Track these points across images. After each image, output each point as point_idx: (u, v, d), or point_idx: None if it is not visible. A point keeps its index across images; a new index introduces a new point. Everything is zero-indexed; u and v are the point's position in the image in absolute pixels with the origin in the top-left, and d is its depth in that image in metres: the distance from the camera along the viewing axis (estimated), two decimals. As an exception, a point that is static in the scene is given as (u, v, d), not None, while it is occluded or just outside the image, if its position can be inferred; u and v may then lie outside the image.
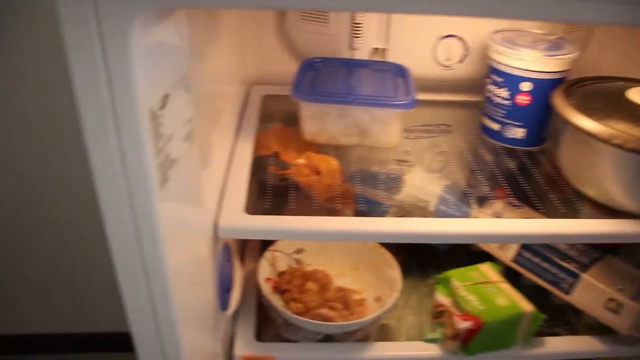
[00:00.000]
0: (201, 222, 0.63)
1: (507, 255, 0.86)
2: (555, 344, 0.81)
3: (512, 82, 0.82)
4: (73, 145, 1.15)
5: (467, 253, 0.96)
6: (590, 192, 0.74)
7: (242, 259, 0.93)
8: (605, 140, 0.66)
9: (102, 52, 0.40)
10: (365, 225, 0.67)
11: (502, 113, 0.85)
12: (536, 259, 0.83)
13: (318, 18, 0.93)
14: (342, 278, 0.88)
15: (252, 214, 0.67)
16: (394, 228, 0.67)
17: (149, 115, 0.44)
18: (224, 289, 0.70)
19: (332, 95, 0.79)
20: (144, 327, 0.57)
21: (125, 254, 0.51)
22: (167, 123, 0.48)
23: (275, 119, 0.92)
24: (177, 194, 0.53)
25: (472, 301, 0.77)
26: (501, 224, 0.70)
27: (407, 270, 0.93)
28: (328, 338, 0.78)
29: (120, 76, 0.41)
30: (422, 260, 0.97)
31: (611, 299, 0.77)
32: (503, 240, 0.82)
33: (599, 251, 0.82)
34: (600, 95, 0.77)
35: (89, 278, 1.36)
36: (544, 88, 0.80)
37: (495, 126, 0.86)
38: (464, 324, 0.74)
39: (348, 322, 0.75)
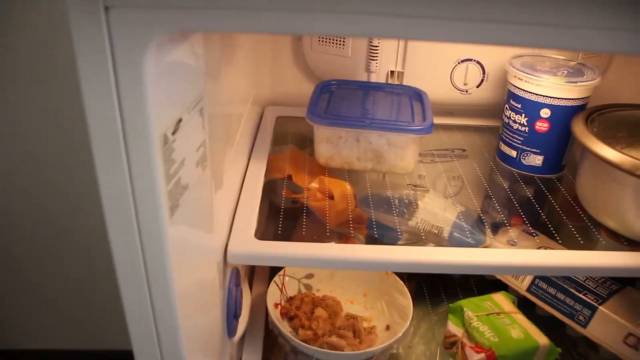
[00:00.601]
0: (211, 246, 0.61)
1: (522, 285, 0.84)
2: (571, 378, 0.79)
3: (530, 108, 0.80)
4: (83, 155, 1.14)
5: (480, 281, 0.94)
6: (610, 222, 0.72)
7: (250, 282, 0.91)
8: (628, 171, 0.64)
9: (114, 76, 0.39)
10: (377, 254, 0.65)
11: (519, 139, 0.83)
12: (552, 290, 0.81)
13: (335, 40, 0.92)
14: (352, 305, 0.86)
15: (262, 238, 0.66)
16: (407, 258, 0.65)
17: (161, 141, 0.43)
18: (232, 315, 0.69)
19: (348, 119, 0.78)
20: (148, 352, 0.55)
21: (131, 277, 0.50)
22: (180, 148, 0.47)
23: (289, 141, 0.91)
24: (187, 220, 0.51)
25: (485, 332, 0.75)
26: (516, 255, 0.68)
27: (419, 297, 0.91)
28: (336, 367, 0.76)
29: (133, 100, 0.40)
30: (434, 288, 0.95)
31: (630, 334, 0.75)
32: (518, 272, 0.80)
33: (618, 283, 0.80)
34: (622, 123, 0.75)
35: (96, 294, 1.35)
36: (564, 115, 0.78)
37: (513, 153, 0.85)
38: (476, 356, 0.72)
39: (358, 352, 0.73)
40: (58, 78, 1.05)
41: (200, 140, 0.52)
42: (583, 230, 0.73)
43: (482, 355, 0.72)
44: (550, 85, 0.78)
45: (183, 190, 0.48)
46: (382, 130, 0.76)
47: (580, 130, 0.72)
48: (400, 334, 0.75)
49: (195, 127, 0.50)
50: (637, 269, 0.67)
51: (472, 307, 0.79)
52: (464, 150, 0.94)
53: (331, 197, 0.75)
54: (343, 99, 0.84)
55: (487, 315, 0.78)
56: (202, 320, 0.62)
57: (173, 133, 0.45)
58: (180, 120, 0.46)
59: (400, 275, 0.87)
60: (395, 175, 0.83)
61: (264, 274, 0.93)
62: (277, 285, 0.83)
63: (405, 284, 0.85)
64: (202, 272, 0.60)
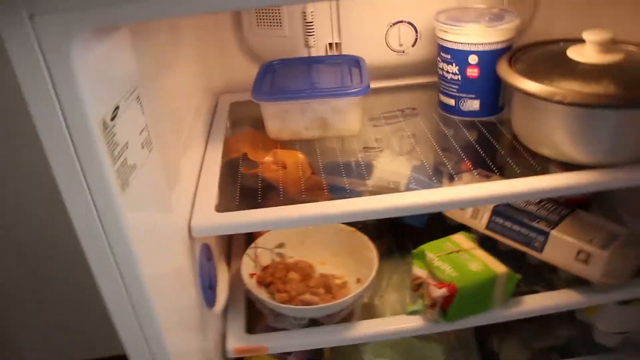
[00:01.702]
0: (174, 225, 0.66)
1: (480, 223, 0.89)
2: (533, 301, 0.84)
3: (459, 57, 0.85)
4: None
5: (444, 228, 0.98)
6: (545, 151, 0.77)
7: (229, 259, 0.96)
8: (546, 99, 0.70)
9: (47, 70, 0.44)
10: (325, 208, 0.71)
11: (455, 88, 0.88)
12: (508, 223, 0.85)
13: (272, 21, 0.97)
14: (324, 266, 0.91)
15: (225, 212, 0.71)
16: (358, 206, 0.71)
17: (100, 126, 0.48)
18: (207, 286, 0.74)
19: (289, 92, 0.83)
20: (130, 331, 0.60)
21: (100, 262, 0.54)
22: (121, 132, 0.52)
23: (245, 124, 0.95)
24: (141, 199, 0.56)
25: (446, 270, 0.79)
26: (463, 189, 0.73)
27: (389, 252, 0.96)
28: (314, 322, 0.81)
29: (67, 91, 0.45)
30: (403, 241, 0.99)
31: (580, 251, 0.79)
32: (466, 204, 0.84)
33: (568, 208, 0.84)
34: (544, 58, 0.80)
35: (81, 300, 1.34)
36: (490, 58, 0.83)
37: (451, 101, 0.90)
38: (439, 292, 0.77)
39: (329, 304, 0.78)
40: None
41: (142, 125, 0.57)
42: (526, 164, 0.78)
43: (444, 289, 0.77)
44: (473, 33, 0.83)
45: (131, 170, 0.53)
46: (321, 98, 0.81)
47: (502, 68, 0.77)
48: (367, 283, 0.80)
49: (134, 113, 0.55)
50: (570, 187, 0.73)
51: (433, 249, 0.83)
52: (413, 108, 0.98)
53: (284, 167, 0.80)
54: (286, 76, 0.89)
55: (448, 254, 0.82)
56: (177, 296, 0.67)
57: (112, 119, 0.50)
58: (117, 108, 0.51)
59: (370, 236, 0.91)
60: (349, 140, 0.88)
61: (240, 251, 0.97)
62: (250, 257, 0.88)
63: (376, 243, 0.89)
64: (169, 250, 0.65)
